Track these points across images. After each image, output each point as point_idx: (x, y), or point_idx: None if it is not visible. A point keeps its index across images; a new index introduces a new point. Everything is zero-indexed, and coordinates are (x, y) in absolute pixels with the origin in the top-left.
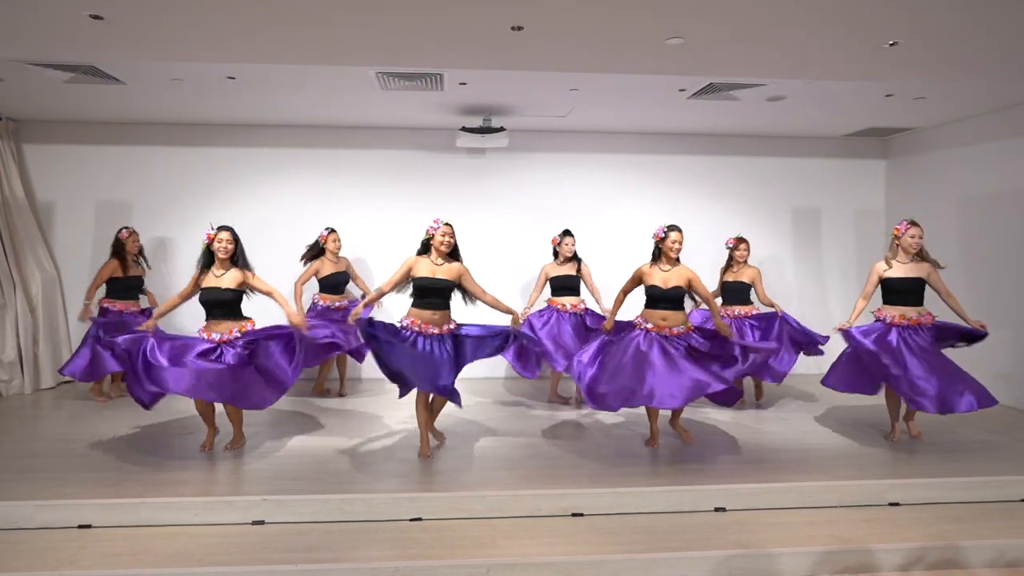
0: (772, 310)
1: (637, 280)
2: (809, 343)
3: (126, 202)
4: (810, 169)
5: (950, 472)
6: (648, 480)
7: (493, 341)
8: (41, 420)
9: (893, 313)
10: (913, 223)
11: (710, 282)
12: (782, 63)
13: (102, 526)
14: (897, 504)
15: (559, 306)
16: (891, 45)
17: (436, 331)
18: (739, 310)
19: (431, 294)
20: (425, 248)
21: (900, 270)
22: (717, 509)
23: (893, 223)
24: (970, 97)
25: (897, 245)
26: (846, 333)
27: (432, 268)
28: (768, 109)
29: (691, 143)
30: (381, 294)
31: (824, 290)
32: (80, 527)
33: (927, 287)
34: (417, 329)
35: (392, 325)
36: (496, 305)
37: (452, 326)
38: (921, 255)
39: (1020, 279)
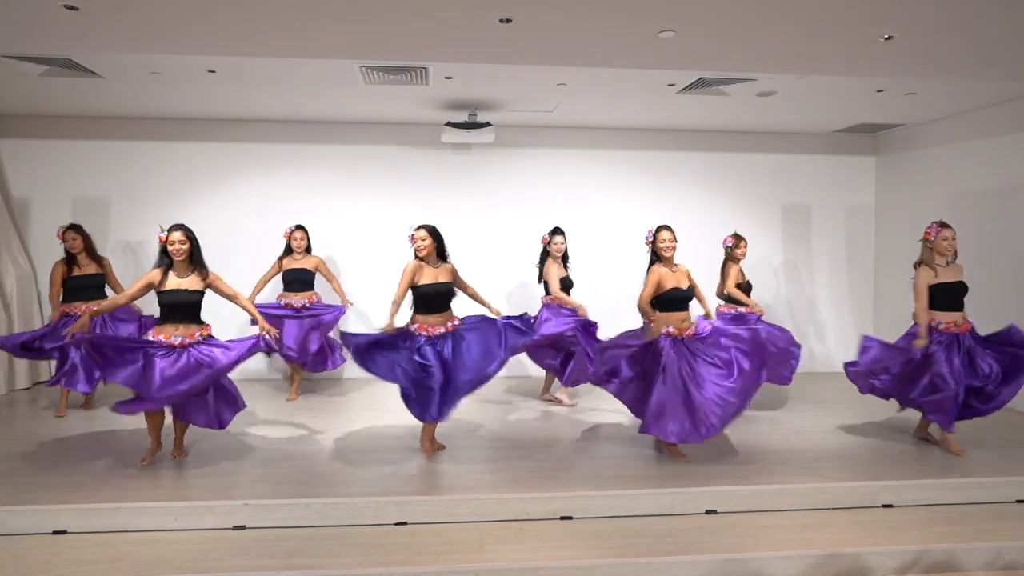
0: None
1: (660, 285)
2: None
3: (103, 198)
4: (800, 166)
5: (943, 473)
6: (638, 482)
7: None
8: (15, 422)
9: (948, 319)
10: (943, 224)
11: (705, 281)
12: (777, 57)
13: (77, 532)
14: (890, 506)
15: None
16: (886, 39)
17: (443, 330)
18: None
19: (436, 299)
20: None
21: (946, 275)
22: (708, 512)
23: (883, 220)
24: (961, 93)
25: (931, 249)
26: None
27: (434, 273)
28: (758, 105)
29: (680, 139)
30: (398, 307)
31: (813, 288)
32: (55, 533)
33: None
34: (426, 333)
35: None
36: (477, 298)
37: (456, 322)
38: (955, 257)
39: (1011, 276)
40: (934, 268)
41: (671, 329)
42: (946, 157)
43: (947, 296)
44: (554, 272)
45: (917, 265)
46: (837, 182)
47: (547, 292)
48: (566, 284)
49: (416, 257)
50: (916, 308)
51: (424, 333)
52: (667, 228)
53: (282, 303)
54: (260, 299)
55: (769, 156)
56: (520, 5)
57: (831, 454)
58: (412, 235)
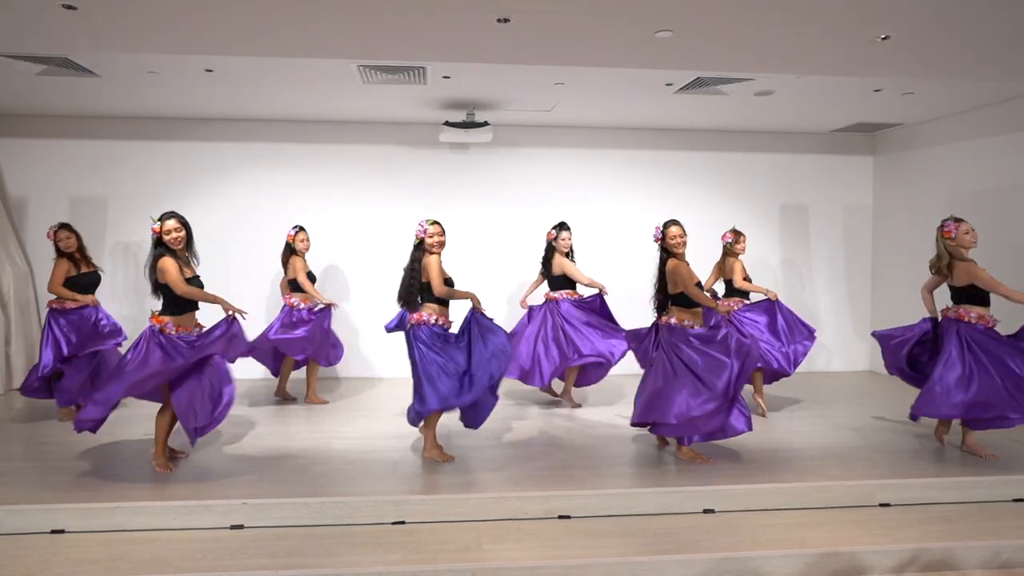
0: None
1: (693, 276)
2: None
3: (100, 198)
4: (798, 165)
5: (941, 472)
6: (635, 481)
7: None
8: (13, 421)
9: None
10: (958, 219)
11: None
12: (773, 57)
13: (76, 531)
14: (888, 505)
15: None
16: (883, 39)
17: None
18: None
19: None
20: (421, 248)
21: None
22: (706, 511)
23: (881, 219)
24: (958, 93)
25: (956, 245)
26: None
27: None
28: (756, 104)
29: (677, 139)
30: (458, 292)
31: (811, 287)
32: (53, 532)
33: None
34: (446, 324)
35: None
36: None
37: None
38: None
39: (1010, 275)
40: (974, 261)
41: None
42: (944, 157)
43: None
44: (569, 264)
45: (942, 269)
46: (835, 182)
47: (553, 288)
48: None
49: (430, 252)
50: (1007, 293)
51: (446, 324)
52: (676, 223)
53: (303, 306)
54: (263, 307)
55: (767, 155)
56: (518, 5)
57: (828, 453)
58: (426, 229)
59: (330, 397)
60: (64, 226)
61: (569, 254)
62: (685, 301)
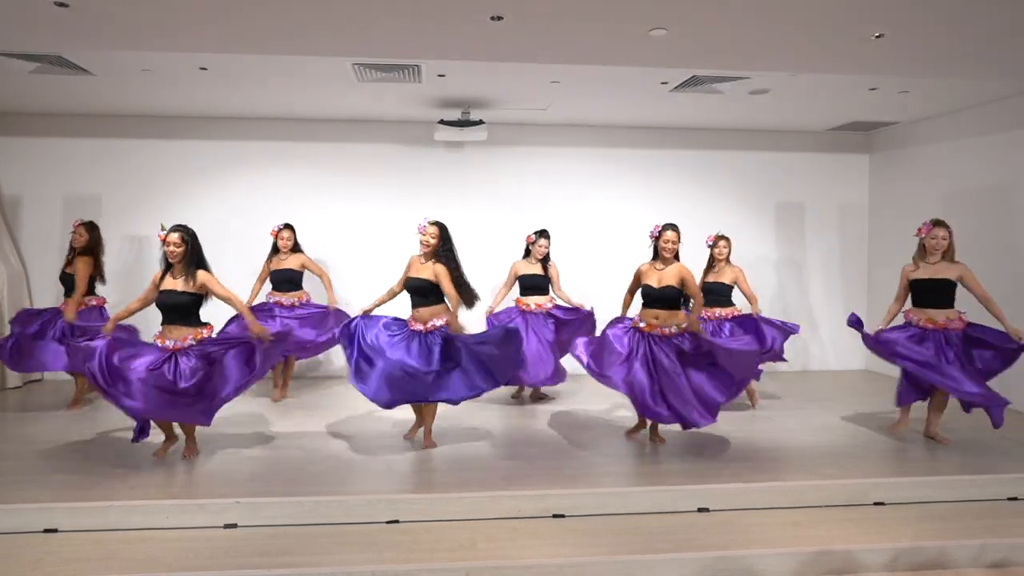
0: (748, 312)
1: (637, 279)
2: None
3: (95, 196)
4: (793, 164)
5: (935, 471)
6: (630, 480)
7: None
8: (7, 421)
9: (920, 316)
10: (937, 223)
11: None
12: (768, 55)
13: (69, 530)
14: (882, 503)
15: (524, 306)
16: (877, 37)
17: (421, 328)
18: (719, 312)
19: (414, 292)
20: None
21: (927, 271)
22: (700, 509)
23: (877, 218)
24: (954, 91)
25: (922, 245)
26: (876, 339)
27: (418, 267)
28: (751, 103)
29: (673, 137)
30: (393, 294)
31: (807, 286)
32: (46, 531)
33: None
34: (409, 325)
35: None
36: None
37: (439, 323)
38: (952, 256)
39: (1003, 274)
40: (917, 264)
41: (642, 324)
42: (940, 155)
43: (926, 293)
44: (510, 272)
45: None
46: (831, 180)
47: (521, 293)
48: (534, 282)
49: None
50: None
51: (410, 325)
52: (673, 228)
53: (272, 302)
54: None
55: (763, 154)
56: (511, 2)
57: (823, 451)
58: (423, 227)
59: (326, 396)
60: (83, 223)
61: (545, 260)
62: (643, 300)
